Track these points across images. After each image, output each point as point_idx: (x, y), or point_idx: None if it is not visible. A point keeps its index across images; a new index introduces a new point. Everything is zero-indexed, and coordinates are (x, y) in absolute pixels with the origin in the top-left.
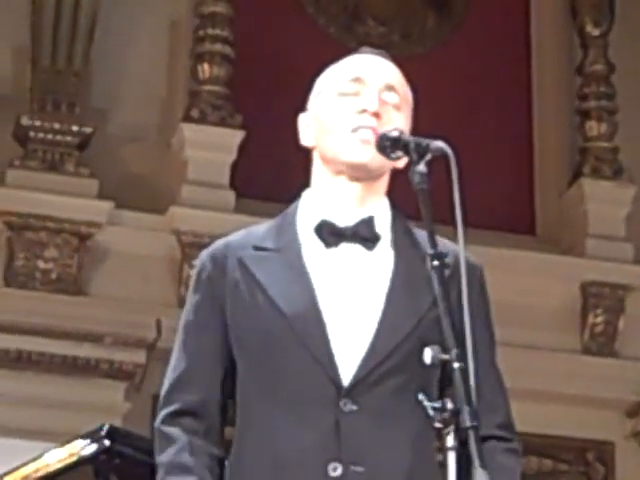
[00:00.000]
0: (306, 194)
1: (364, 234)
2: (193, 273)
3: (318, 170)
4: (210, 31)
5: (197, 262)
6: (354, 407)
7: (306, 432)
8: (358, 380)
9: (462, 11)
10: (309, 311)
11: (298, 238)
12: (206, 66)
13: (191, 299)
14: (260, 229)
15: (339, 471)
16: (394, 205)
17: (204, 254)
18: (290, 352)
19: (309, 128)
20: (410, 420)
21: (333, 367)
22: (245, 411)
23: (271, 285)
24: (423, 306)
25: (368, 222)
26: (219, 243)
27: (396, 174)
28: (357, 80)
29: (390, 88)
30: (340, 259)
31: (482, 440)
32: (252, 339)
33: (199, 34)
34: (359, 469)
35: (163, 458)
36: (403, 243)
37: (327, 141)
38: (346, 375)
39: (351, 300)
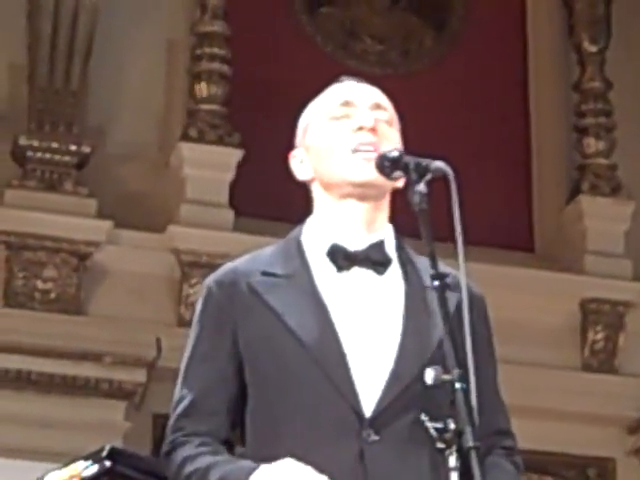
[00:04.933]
0: (310, 220)
1: (376, 258)
2: (199, 299)
3: (321, 199)
4: (207, 50)
5: (203, 288)
6: (376, 437)
7: (330, 463)
8: (380, 410)
9: (460, 29)
10: (328, 340)
11: (308, 263)
12: (204, 85)
13: (198, 326)
14: (265, 254)
15: None
16: (397, 231)
17: (210, 280)
18: (310, 382)
19: (303, 163)
20: (430, 448)
21: (355, 397)
22: (260, 440)
23: (286, 313)
24: (439, 332)
25: (379, 246)
26: (225, 268)
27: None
28: (346, 103)
29: (378, 106)
30: (353, 283)
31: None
32: (270, 368)
33: (196, 53)
34: None
35: (193, 466)
36: (409, 268)
37: (328, 166)
38: (367, 404)
39: (368, 327)
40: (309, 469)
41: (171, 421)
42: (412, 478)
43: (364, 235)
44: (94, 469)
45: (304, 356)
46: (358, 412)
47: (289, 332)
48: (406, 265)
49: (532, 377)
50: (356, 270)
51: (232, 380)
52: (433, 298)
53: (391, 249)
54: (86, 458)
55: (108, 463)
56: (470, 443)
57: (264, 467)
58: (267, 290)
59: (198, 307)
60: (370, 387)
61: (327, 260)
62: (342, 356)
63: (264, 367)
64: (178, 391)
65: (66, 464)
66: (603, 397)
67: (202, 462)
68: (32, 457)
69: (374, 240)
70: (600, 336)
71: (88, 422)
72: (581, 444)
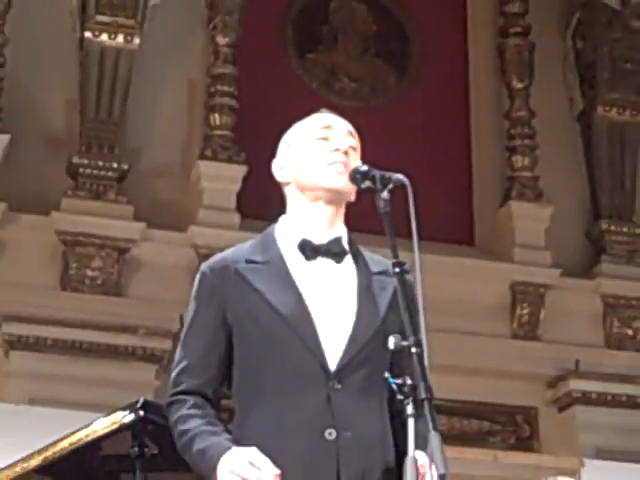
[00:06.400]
0: (283, 218)
1: (335, 250)
2: (196, 281)
3: (295, 199)
4: (219, 87)
5: (199, 273)
6: (339, 386)
7: (304, 405)
8: (342, 365)
9: (417, 71)
10: (300, 311)
11: (281, 253)
12: (217, 115)
13: (194, 303)
14: (246, 246)
15: (334, 435)
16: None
17: (204, 266)
18: (287, 343)
19: (284, 169)
20: (378, 396)
21: (322, 355)
22: (245, 391)
23: (267, 291)
24: (383, 308)
25: (338, 241)
26: (216, 257)
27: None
28: (328, 127)
29: (350, 134)
30: (318, 269)
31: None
32: (253, 334)
33: (211, 90)
34: (348, 434)
35: (185, 426)
36: (359, 259)
37: (307, 174)
38: (332, 361)
39: (331, 302)
40: (266, 460)
41: (172, 377)
42: (366, 417)
43: (326, 232)
44: (131, 417)
45: (281, 324)
46: (325, 366)
47: (269, 306)
48: (357, 256)
49: (472, 344)
50: (320, 259)
51: (221, 345)
52: (376, 282)
53: (345, 244)
54: (124, 409)
55: (142, 412)
56: (423, 395)
57: (234, 450)
58: (251, 274)
59: (194, 287)
60: (334, 347)
61: (297, 251)
62: (311, 323)
63: (249, 334)
64: (178, 355)
65: (109, 413)
66: (528, 359)
67: (191, 425)
68: (84, 409)
69: (333, 236)
70: (526, 311)
71: (126, 381)
72: (511, 396)
